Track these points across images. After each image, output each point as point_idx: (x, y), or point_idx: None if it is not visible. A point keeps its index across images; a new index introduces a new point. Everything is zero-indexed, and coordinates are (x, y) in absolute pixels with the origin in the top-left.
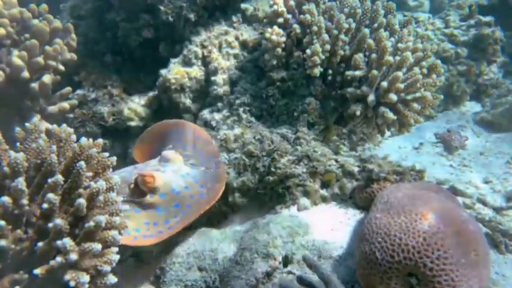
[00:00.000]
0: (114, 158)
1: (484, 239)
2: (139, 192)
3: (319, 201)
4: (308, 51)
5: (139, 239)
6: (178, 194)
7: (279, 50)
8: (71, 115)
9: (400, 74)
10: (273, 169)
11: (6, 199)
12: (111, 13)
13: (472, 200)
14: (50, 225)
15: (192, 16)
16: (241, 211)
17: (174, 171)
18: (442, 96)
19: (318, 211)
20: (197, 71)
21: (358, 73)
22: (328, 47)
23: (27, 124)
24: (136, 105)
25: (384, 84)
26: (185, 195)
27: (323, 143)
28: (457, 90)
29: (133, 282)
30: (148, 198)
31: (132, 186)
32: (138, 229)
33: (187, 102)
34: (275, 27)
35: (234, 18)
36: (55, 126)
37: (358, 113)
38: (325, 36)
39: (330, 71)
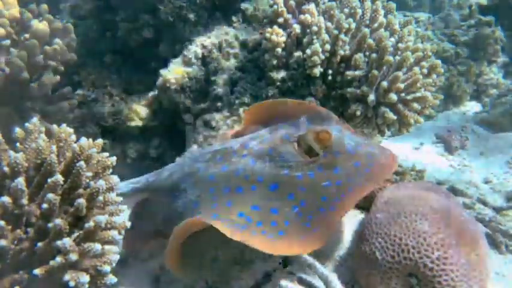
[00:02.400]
0: (114, 158)
1: (484, 239)
2: (309, 151)
3: None
4: (308, 51)
5: (338, 210)
6: (353, 153)
7: (279, 50)
8: (71, 115)
9: (400, 74)
10: None
11: (6, 199)
12: (111, 13)
13: (472, 200)
14: (50, 225)
15: (192, 16)
16: None
17: (339, 131)
18: (442, 96)
19: None
20: (197, 71)
21: (358, 73)
22: (328, 47)
23: (27, 124)
24: (136, 105)
25: (384, 84)
26: (360, 154)
27: None
28: (457, 90)
29: (133, 282)
30: (322, 157)
31: (296, 145)
32: (323, 197)
33: (187, 102)
34: (275, 27)
35: (234, 18)
36: (55, 126)
37: (358, 113)
38: (325, 36)
39: (330, 71)
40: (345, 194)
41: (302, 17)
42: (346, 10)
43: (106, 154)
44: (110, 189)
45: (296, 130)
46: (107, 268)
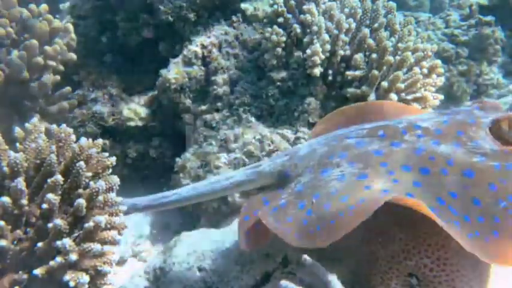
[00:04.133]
0: (114, 158)
1: None
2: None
3: None
4: (308, 51)
5: None
6: None
7: (279, 49)
8: (71, 115)
9: (400, 73)
10: None
11: (6, 199)
12: (111, 13)
13: None
14: (50, 225)
15: (192, 16)
16: None
17: None
18: (442, 96)
19: None
20: (197, 71)
21: (358, 73)
22: (328, 47)
23: (26, 124)
24: (136, 105)
25: (384, 84)
26: None
27: None
28: (458, 90)
29: (133, 282)
30: None
31: (488, 132)
32: None
33: (187, 102)
34: (275, 27)
35: (234, 18)
36: (54, 126)
37: None
38: (325, 36)
39: (330, 71)
40: None
41: (302, 16)
42: (347, 10)
43: (106, 154)
44: (110, 189)
45: (470, 116)
46: (106, 268)
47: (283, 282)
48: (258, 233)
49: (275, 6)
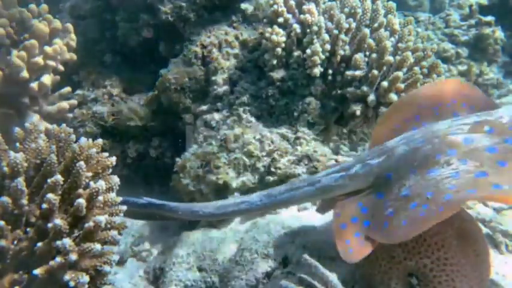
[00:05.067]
0: (114, 158)
1: (484, 239)
2: None
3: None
4: (308, 51)
5: None
6: None
7: (279, 49)
8: (71, 115)
9: (400, 73)
10: (273, 169)
11: (6, 199)
12: (111, 13)
13: None
14: (50, 225)
15: (192, 16)
16: None
17: None
18: None
19: None
20: (197, 71)
21: (358, 73)
22: (328, 46)
23: (26, 124)
24: (136, 105)
25: (384, 84)
26: None
27: (323, 143)
28: None
29: (133, 282)
30: None
31: None
32: None
33: (187, 102)
34: (275, 27)
35: (234, 18)
36: (54, 126)
37: (358, 113)
38: (325, 36)
39: (330, 71)
40: None
41: (302, 16)
42: (347, 10)
43: (106, 154)
44: (110, 189)
45: None
46: (106, 268)
47: (283, 282)
48: (360, 242)
49: (275, 6)
